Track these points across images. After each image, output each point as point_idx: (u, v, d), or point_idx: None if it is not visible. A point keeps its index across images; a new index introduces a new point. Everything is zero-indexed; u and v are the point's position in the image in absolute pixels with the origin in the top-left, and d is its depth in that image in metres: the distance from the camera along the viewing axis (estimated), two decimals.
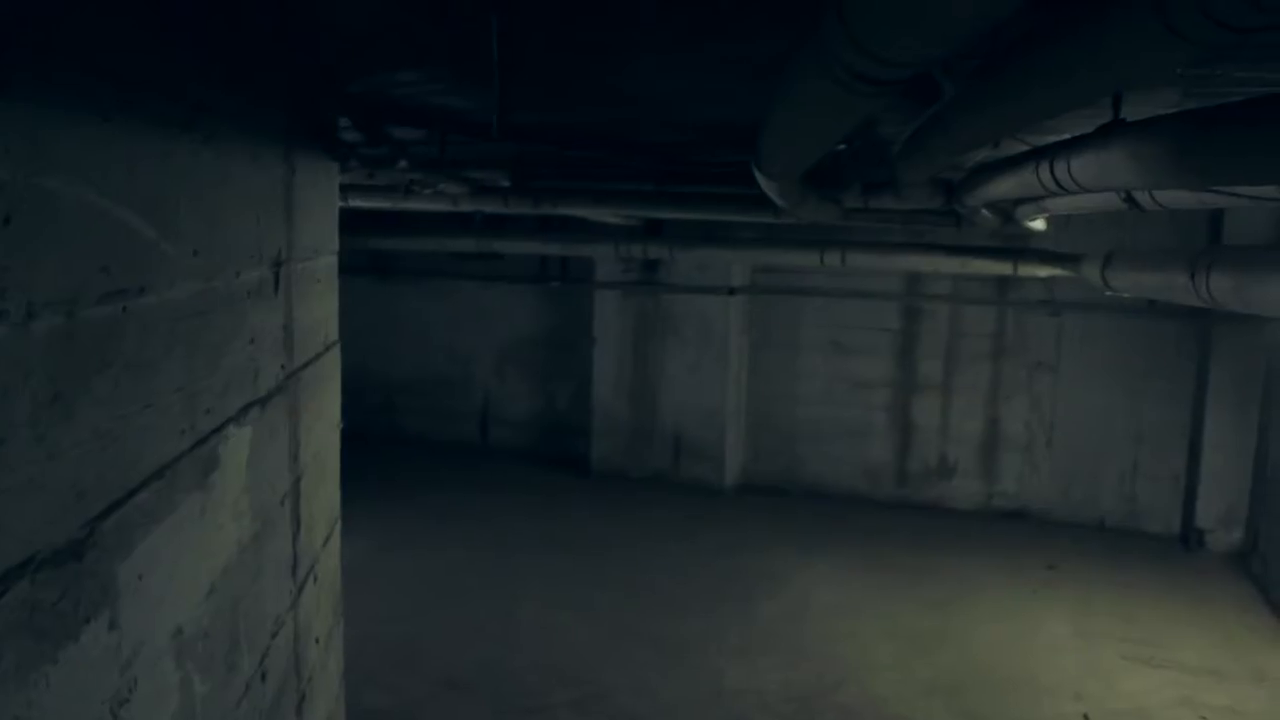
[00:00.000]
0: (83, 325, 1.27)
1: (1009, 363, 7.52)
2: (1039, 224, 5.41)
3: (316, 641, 3.06)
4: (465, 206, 5.74)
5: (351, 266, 8.57)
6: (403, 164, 3.71)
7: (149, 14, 1.48)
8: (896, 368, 7.85)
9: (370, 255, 8.64)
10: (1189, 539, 6.85)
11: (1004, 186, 3.20)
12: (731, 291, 7.91)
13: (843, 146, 2.99)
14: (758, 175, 3.18)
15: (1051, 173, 2.51)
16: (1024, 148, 2.98)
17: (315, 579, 3.01)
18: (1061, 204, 3.77)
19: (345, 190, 5.14)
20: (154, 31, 1.51)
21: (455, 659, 4.77)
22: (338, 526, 3.48)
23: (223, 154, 1.92)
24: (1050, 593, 5.95)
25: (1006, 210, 4.87)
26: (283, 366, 2.49)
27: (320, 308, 3.08)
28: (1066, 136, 2.58)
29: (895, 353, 7.85)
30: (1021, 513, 7.53)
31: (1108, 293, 4.04)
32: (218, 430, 1.93)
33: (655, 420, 8.24)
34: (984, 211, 4.66)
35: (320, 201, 3.05)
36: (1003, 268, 6.32)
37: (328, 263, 3.21)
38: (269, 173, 2.33)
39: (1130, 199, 2.96)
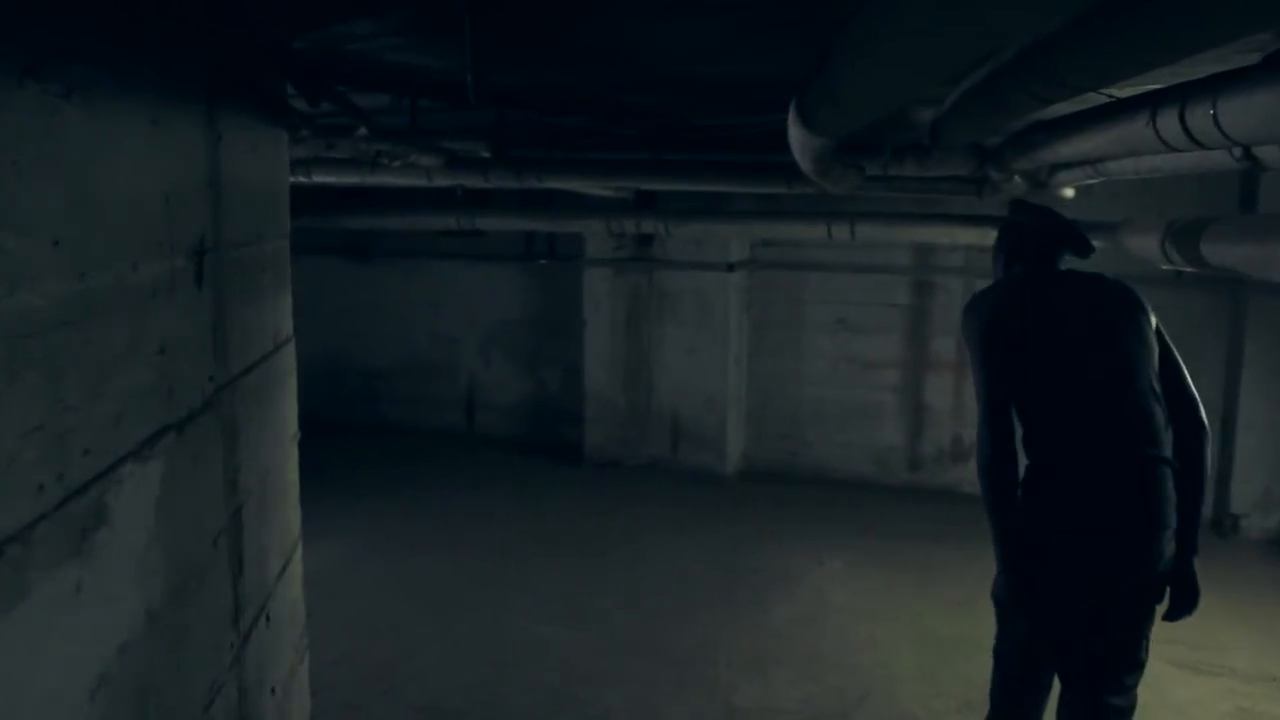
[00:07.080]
0: None
1: None
2: (1069, 192, 4.96)
3: (272, 692, 2.61)
4: (441, 180, 5.26)
5: (327, 247, 8.13)
6: (362, 132, 3.25)
7: None
8: (906, 346, 7.41)
9: (346, 235, 8.09)
10: (1223, 526, 6.45)
11: (1087, 144, 2.71)
12: (730, 268, 7.44)
13: None
14: (799, 133, 2.65)
15: (1181, 121, 2.02)
16: (1103, 99, 2.51)
17: (268, 620, 2.56)
18: (1129, 166, 3.30)
19: (308, 165, 4.67)
20: None
21: (441, 681, 4.35)
22: (298, 551, 3.03)
23: (100, 114, 1.45)
24: None
25: (1039, 177, 4.41)
26: (211, 377, 2.03)
27: (268, 302, 2.61)
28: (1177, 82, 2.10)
29: (905, 330, 7.40)
30: None
31: (1165, 266, 3.59)
32: (105, 474, 1.47)
33: (651, 405, 7.79)
34: (1017, 178, 4.20)
35: (263, 176, 2.57)
36: None
37: (276, 248, 2.73)
38: (182, 141, 1.86)
39: (1250, 155, 2.49)
